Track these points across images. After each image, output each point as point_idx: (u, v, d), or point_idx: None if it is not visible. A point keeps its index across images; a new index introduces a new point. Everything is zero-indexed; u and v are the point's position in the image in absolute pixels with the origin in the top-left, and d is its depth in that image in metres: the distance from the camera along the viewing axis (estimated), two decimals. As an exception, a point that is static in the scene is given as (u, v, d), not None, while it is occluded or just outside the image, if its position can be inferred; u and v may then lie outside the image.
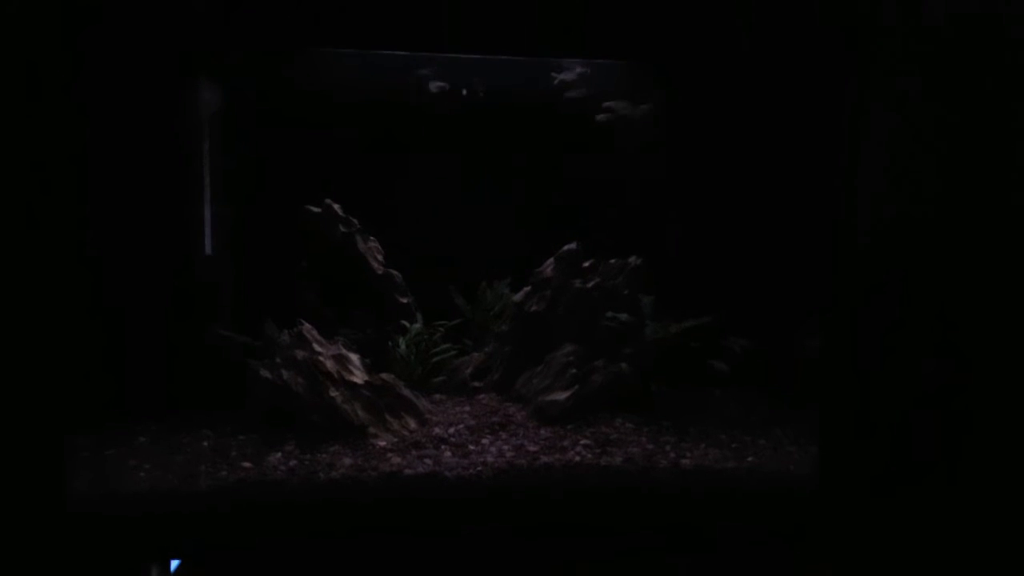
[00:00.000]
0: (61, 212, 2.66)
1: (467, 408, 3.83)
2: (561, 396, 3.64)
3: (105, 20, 2.89)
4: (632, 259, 4.12)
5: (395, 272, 4.34)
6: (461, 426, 3.49)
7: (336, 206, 4.24)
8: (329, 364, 3.45)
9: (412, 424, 3.47)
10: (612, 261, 4.13)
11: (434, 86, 4.10)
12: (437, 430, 3.43)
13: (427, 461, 3.09)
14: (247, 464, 3.04)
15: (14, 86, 2.50)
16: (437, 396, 4.03)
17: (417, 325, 4.22)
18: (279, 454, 3.12)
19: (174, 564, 2.86)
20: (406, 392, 3.58)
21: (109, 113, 3.44)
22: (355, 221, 4.27)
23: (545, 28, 3.01)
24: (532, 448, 3.24)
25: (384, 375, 3.59)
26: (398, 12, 2.94)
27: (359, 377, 3.48)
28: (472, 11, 2.92)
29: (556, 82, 4.35)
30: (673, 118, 4.40)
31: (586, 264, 4.13)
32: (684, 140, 4.37)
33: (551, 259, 4.20)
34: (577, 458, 3.16)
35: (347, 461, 3.07)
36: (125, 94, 3.52)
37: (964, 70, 2.65)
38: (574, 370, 3.77)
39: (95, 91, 3.29)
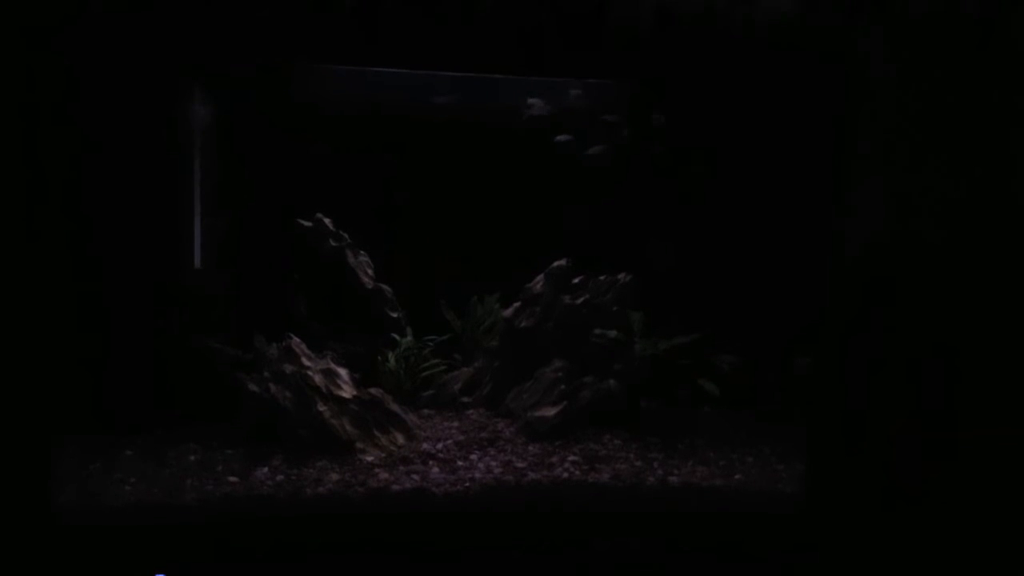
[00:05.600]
0: (52, 223, 2.66)
1: (456, 423, 3.82)
2: (550, 412, 3.64)
3: (99, 31, 2.90)
4: (622, 276, 4.14)
5: (385, 286, 4.35)
6: (449, 441, 3.48)
7: (327, 220, 4.25)
8: (317, 378, 3.45)
9: (400, 439, 3.46)
10: (602, 277, 4.15)
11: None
12: (425, 445, 3.42)
13: (415, 477, 3.08)
14: (233, 479, 3.02)
15: (9, 95, 2.50)
16: (426, 411, 4.02)
17: (407, 339, 4.22)
18: (266, 469, 3.11)
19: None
20: (395, 407, 3.57)
21: (102, 125, 3.44)
22: (345, 235, 4.28)
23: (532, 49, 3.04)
24: (520, 464, 3.24)
25: (373, 389, 3.59)
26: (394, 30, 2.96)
27: (347, 391, 3.47)
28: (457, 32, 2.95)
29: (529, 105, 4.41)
30: (664, 135, 4.43)
31: (576, 280, 4.15)
32: (676, 157, 4.40)
33: (541, 275, 4.22)
34: (565, 475, 3.16)
35: (334, 476, 3.06)
36: (119, 106, 3.52)
37: (960, 91, 2.69)
38: (563, 386, 3.78)
39: (89, 103, 3.30)
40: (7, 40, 2.51)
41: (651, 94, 4.43)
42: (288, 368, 3.47)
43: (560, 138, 4.41)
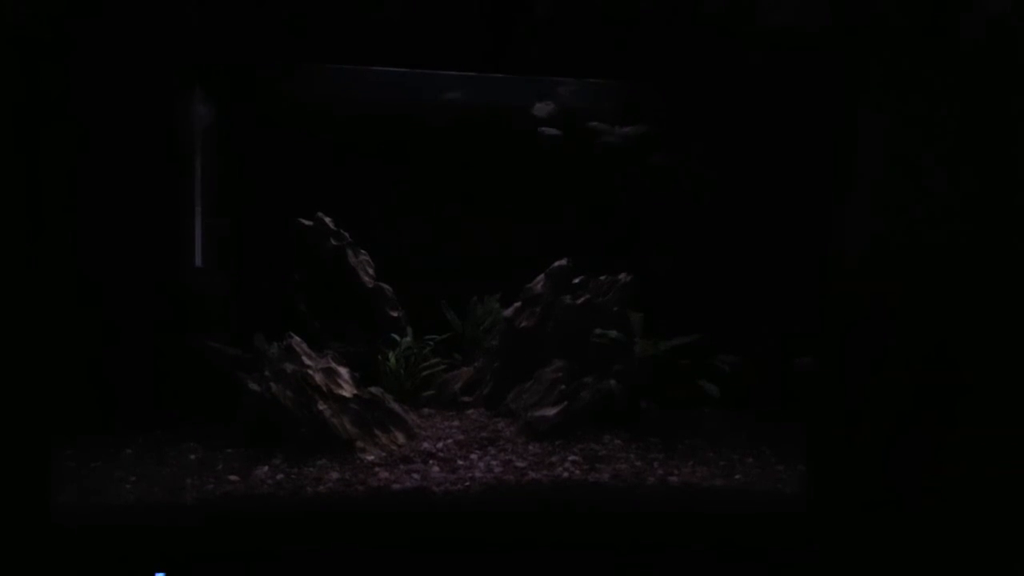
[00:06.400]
0: (52, 223, 2.66)
1: (456, 423, 3.82)
2: (550, 412, 3.64)
3: (99, 32, 2.90)
4: (622, 276, 4.14)
5: (386, 286, 4.35)
6: (450, 441, 3.48)
7: (328, 219, 4.25)
8: (318, 377, 3.44)
9: (400, 438, 3.46)
10: (602, 278, 4.15)
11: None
12: (426, 445, 3.42)
13: (415, 476, 3.08)
14: (234, 477, 3.02)
15: (9, 96, 2.50)
16: (426, 410, 4.03)
17: (407, 339, 4.22)
18: (266, 468, 3.11)
19: (158, 577, 2.84)
20: (395, 406, 3.57)
21: (103, 124, 3.44)
22: (346, 234, 4.28)
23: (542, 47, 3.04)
24: (520, 464, 3.24)
25: (373, 389, 3.59)
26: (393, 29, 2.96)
27: (348, 391, 3.47)
28: (467, 30, 2.95)
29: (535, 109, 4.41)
30: (665, 138, 4.43)
31: (576, 280, 4.15)
32: (676, 159, 4.40)
33: (541, 275, 4.22)
34: (565, 474, 3.16)
35: (334, 475, 3.06)
36: (119, 106, 3.53)
37: (959, 95, 2.69)
38: (563, 386, 3.78)
39: (89, 103, 3.30)
40: (6, 40, 2.51)
41: (650, 96, 4.43)
42: (289, 367, 3.47)
43: (547, 130, 4.39)
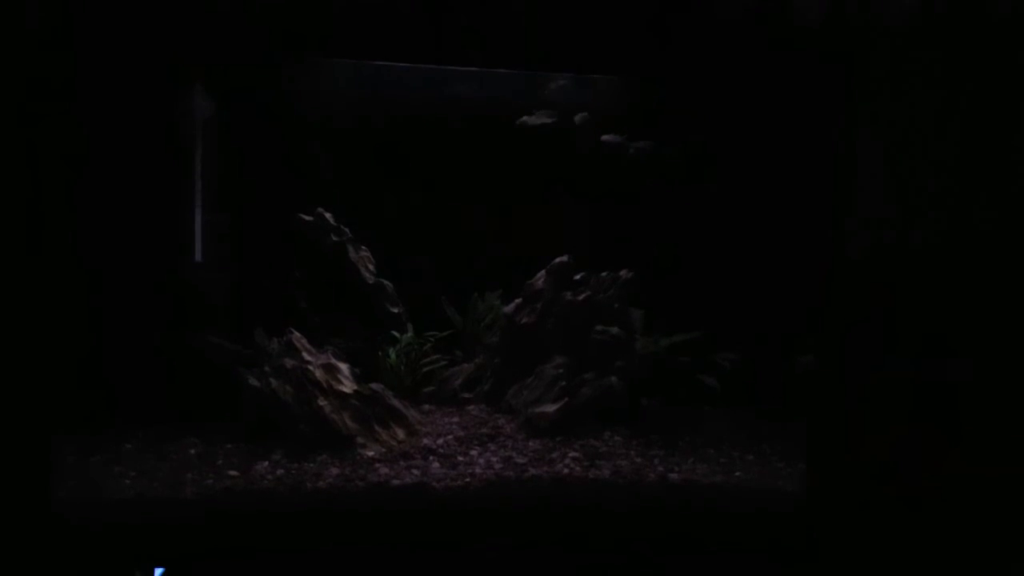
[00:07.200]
0: (52, 218, 2.66)
1: (456, 419, 3.82)
2: (550, 408, 3.64)
3: (99, 28, 2.90)
4: (623, 273, 4.13)
5: (386, 282, 4.34)
6: (450, 437, 3.48)
7: (328, 215, 4.24)
8: (318, 373, 3.44)
9: (401, 434, 3.47)
10: (603, 274, 4.14)
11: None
12: (426, 441, 3.42)
13: (415, 472, 3.08)
14: (234, 473, 3.02)
15: (10, 93, 2.50)
16: (426, 407, 4.03)
17: (407, 335, 4.22)
18: (266, 463, 3.11)
19: (158, 572, 2.84)
20: (395, 402, 3.57)
21: (103, 119, 3.43)
22: (347, 230, 4.27)
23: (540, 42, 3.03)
24: (521, 460, 3.24)
25: (373, 385, 3.59)
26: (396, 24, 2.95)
27: (348, 387, 3.47)
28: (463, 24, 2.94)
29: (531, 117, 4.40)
30: (666, 135, 4.42)
31: (577, 277, 4.14)
32: (677, 156, 4.39)
33: (542, 271, 4.21)
34: (566, 471, 3.16)
35: (334, 471, 3.06)
36: (119, 101, 3.52)
37: (959, 94, 2.68)
38: (564, 383, 3.78)
39: (88, 98, 3.29)
40: (7, 38, 2.50)
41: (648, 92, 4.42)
42: (289, 363, 3.47)
43: (544, 120, 4.37)
